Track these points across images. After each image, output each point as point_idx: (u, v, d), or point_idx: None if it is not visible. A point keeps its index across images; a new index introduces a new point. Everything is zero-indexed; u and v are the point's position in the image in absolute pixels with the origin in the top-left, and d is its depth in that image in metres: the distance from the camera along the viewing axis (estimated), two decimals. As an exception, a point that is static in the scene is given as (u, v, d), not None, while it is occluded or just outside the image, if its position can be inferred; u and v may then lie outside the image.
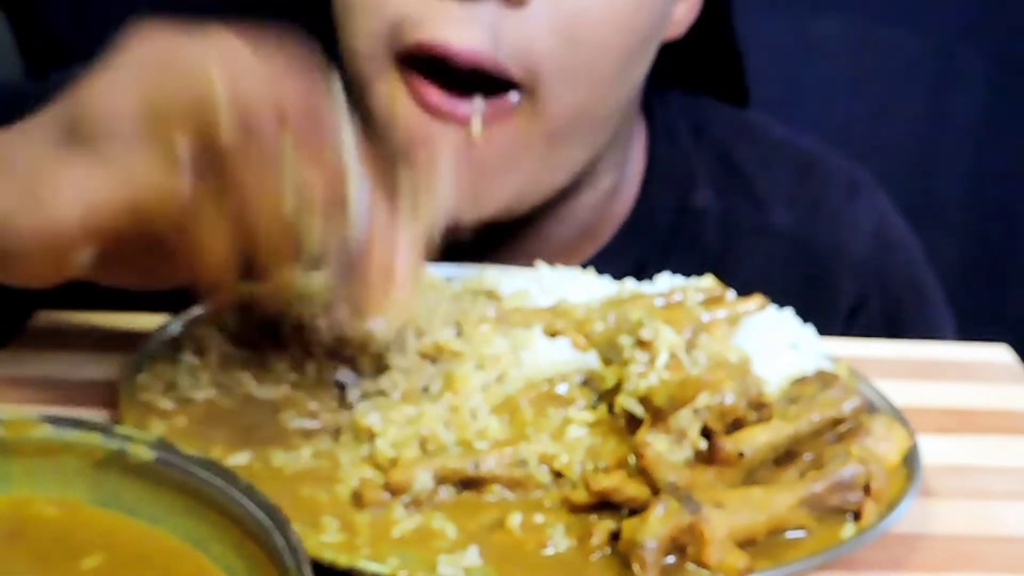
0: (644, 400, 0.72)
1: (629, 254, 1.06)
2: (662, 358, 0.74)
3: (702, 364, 0.75)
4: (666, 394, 0.71)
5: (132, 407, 0.74)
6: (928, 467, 0.75)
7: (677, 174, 1.09)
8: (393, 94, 0.92)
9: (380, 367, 0.77)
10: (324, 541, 0.65)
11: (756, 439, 0.71)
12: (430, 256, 0.71)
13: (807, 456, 0.72)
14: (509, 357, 0.77)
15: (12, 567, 0.56)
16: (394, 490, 0.68)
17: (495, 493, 0.70)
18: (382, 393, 0.75)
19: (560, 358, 0.78)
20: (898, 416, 0.78)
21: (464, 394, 0.74)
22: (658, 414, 0.71)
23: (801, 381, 0.78)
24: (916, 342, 0.97)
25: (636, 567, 0.63)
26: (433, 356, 0.78)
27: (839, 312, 1.09)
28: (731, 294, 0.85)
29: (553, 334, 0.81)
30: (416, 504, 0.68)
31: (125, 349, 0.79)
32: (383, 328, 0.77)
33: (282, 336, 0.79)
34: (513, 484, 0.70)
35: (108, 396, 0.76)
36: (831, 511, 0.70)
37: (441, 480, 0.69)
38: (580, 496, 0.69)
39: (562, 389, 0.76)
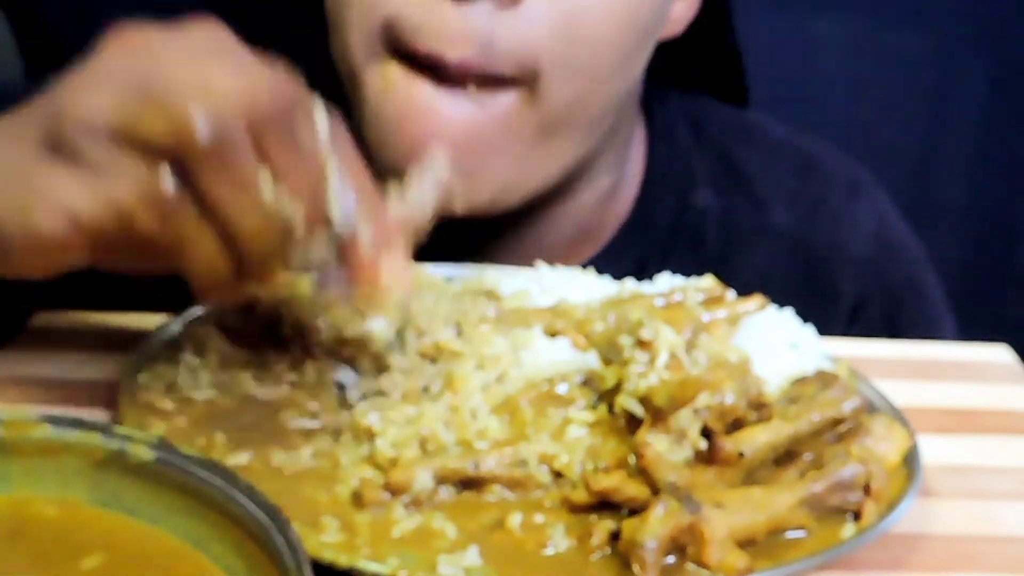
0: (644, 400, 0.72)
1: (629, 254, 1.06)
2: (662, 358, 0.74)
3: (702, 364, 0.75)
4: (666, 394, 0.71)
5: (132, 407, 0.74)
6: (928, 467, 0.75)
7: (677, 174, 1.09)
8: (385, 84, 0.92)
9: (380, 367, 0.77)
10: (324, 541, 0.65)
11: (756, 439, 0.71)
12: (418, 248, 0.72)
13: (807, 456, 0.72)
14: (509, 357, 0.77)
15: (12, 567, 0.56)
16: (394, 490, 0.68)
17: (495, 493, 0.70)
18: (382, 393, 0.75)
19: (560, 358, 0.78)
20: (898, 416, 0.78)
21: (464, 394, 0.74)
22: (658, 414, 0.71)
23: (801, 381, 0.78)
24: (916, 342, 0.97)
25: (636, 567, 0.63)
26: (433, 356, 0.78)
27: (839, 312, 1.09)
28: (731, 294, 0.85)
29: (553, 334, 0.81)
30: (416, 504, 0.68)
31: (125, 349, 0.79)
32: (383, 328, 0.77)
33: (282, 336, 0.79)
34: (513, 484, 0.70)
35: (108, 396, 0.76)
36: (831, 511, 0.70)
37: (441, 480, 0.69)
38: (580, 496, 0.69)
39: (562, 389, 0.76)
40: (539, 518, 0.68)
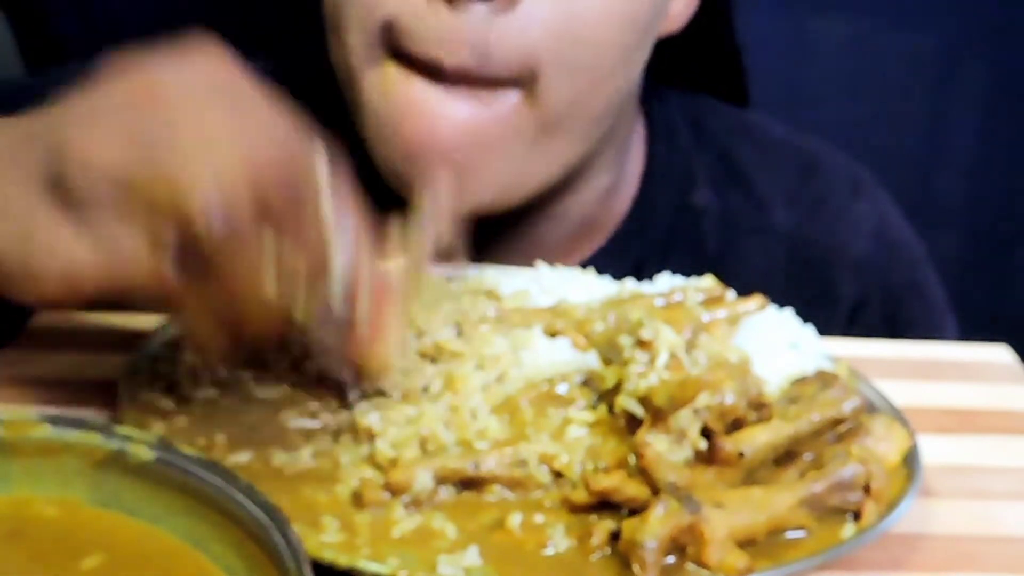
0: (644, 400, 0.72)
1: (629, 254, 1.06)
2: (662, 358, 0.74)
3: (702, 364, 0.75)
4: (666, 394, 0.71)
5: (132, 407, 0.74)
6: (928, 467, 0.75)
7: (677, 173, 1.09)
8: (384, 85, 0.92)
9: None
10: (324, 541, 0.65)
11: (756, 439, 0.71)
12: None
13: (807, 456, 0.72)
14: (509, 357, 0.77)
15: (12, 567, 0.56)
16: (394, 490, 0.68)
17: (495, 493, 0.70)
18: (382, 393, 0.75)
19: (560, 358, 0.78)
20: (898, 416, 0.78)
21: (464, 394, 0.74)
22: (658, 414, 0.71)
23: (801, 381, 0.78)
24: (916, 342, 0.97)
25: (636, 567, 0.63)
26: (433, 356, 0.78)
27: (839, 312, 1.09)
28: (731, 294, 0.85)
29: (553, 334, 0.81)
30: (416, 504, 0.68)
31: (125, 349, 0.79)
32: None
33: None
34: (513, 484, 0.70)
35: (108, 396, 0.76)
36: (831, 511, 0.70)
37: (441, 480, 0.69)
38: (580, 496, 0.69)
39: (562, 389, 0.76)
40: (539, 518, 0.68)
